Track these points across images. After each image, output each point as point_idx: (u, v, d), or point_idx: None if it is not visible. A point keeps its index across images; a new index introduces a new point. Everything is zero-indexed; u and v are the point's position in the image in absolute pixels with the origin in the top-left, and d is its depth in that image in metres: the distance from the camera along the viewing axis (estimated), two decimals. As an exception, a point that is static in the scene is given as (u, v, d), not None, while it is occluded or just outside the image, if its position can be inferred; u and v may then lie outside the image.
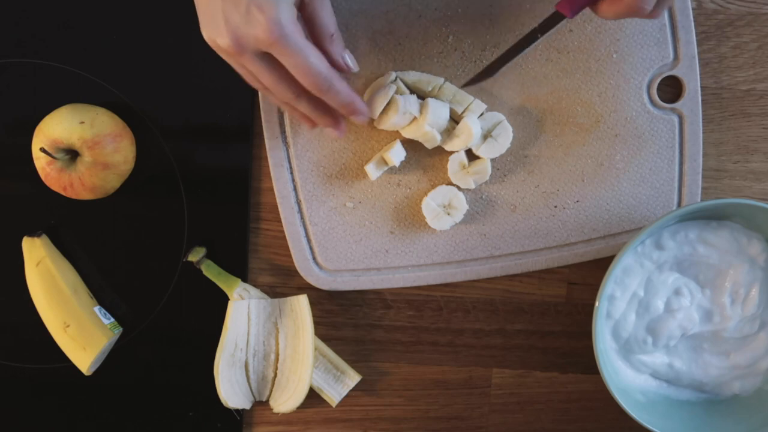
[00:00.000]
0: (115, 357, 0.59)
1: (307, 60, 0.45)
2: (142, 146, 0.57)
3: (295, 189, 0.58)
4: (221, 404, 0.57)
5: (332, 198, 0.58)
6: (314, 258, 0.59)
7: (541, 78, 0.57)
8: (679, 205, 0.59)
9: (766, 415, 0.55)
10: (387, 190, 0.58)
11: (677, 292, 0.56)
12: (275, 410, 0.58)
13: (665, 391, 0.58)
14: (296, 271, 0.60)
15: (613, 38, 0.57)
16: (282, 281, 0.60)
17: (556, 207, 0.58)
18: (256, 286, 0.60)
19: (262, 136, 0.58)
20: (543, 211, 0.58)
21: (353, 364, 0.60)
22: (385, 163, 0.57)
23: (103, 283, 0.59)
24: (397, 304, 0.60)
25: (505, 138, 0.56)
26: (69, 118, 0.53)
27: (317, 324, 0.59)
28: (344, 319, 0.60)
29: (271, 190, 0.59)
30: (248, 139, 0.58)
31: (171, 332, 0.60)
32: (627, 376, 0.57)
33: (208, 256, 0.58)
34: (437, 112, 0.55)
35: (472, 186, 0.57)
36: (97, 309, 0.58)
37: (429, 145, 0.56)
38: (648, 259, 0.56)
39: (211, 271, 0.58)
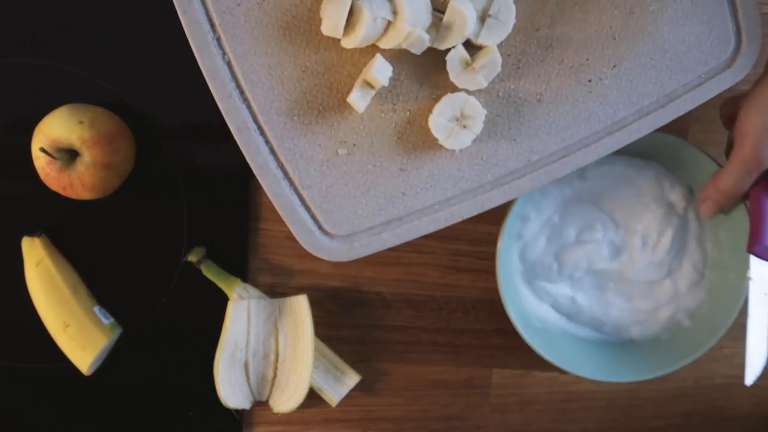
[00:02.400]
0: (115, 357, 0.59)
1: None
2: (142, 146, 0.57)
3: (272, 152, 0.48)
4: (221, 404, 0.57)
5: (320, 149, 0.48)
6: (320, 227, 0.49)
7: None
8: (738, 37, 0.50)
9: (659, 363, 0.55)
10: (383, 121, 0.48)
11: (591, 226, 0.55)
12: (275, 410, 0.58)
13: (564, 325, 0.57)
14: (296, 271, 0.60)
15: None
16: (282, 281, 0.60)
17: (590, 81, 0.48)
18: (256, 286, 0.60)
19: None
20: (576, 91, 0.48)
21: (353, 364, 0.60)
22: (371, 86, 0.47)
23: (103, 283, 0.59)
24: (397, 304, 0.60)
25: (507, 13, 0.46)
26: (69, 118, 0.53)
27: (317, 324, 0.59)
28: (344, 319, 0.60)
29: (271, 190, 0.59)
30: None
31: (171, 332, 0.60)
32: (528, 300, 0.57)
33: (208, 256, 0.58)
34: (415, 5, 0.45)
35: (484, 84, 0.47)
36: (97, 309, 0.58)
37: (417, 50, 0.46)
38: (569, 186, 0.55)
39: (211, 271, 0.58)
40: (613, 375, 0.55)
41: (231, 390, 0.57)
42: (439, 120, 0.47)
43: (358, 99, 0.47)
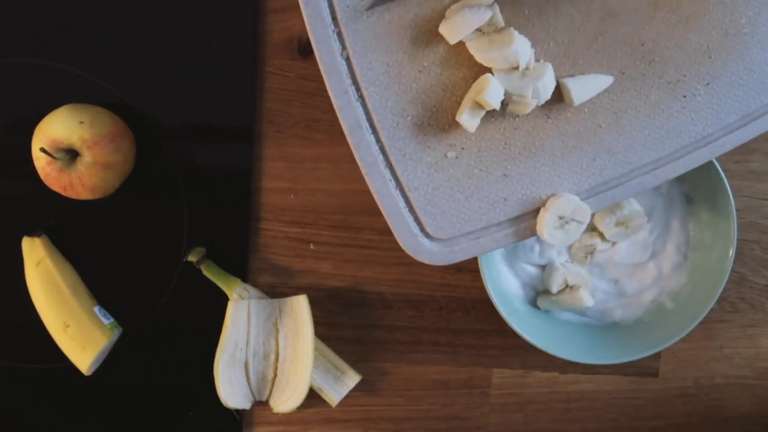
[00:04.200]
0: (115, 357, 0.59)
1: None
2: (142, 146, 0.57)
3: (382, 151, 0.48)
4: (221, 404, 0.57)
5: (429, 151, 0.49)
6: (422, 230, 0.49)
7: None
8: None
9: (640, 345, 0.56)
10: (492, 126, 0.49)
11: None
12: (275, 410, 0.58)
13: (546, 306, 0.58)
14: (296, 271, 0.60)
15: None
16: (282, 281, 0.60)
17: (685, 97, 0.50)
18: (256, 286, 0.59)
19: (262, 135, 0.58)
20: (672, 105, 0.50)
21: (353, 364, 0.60)
22: (481, 107, 0.47)
23: (103, 283, 0.59)
24: (397, 304, 0.60)
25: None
26: (69, 118, 0.53)
27: (317, 324, 0.59)
28: (344, 319, 0.60)
29: (271, 189, 0.59)
30: (248, 139, 0.58)
31: (171, 332, 0.60)
32: (509, 282, 0.57)
33: (208, 256, 0.58)
34: (546, 80, 0.47)
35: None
36: (97, 309, 0.58)
37: (521, 111, 0.48)
38: None
39: (211, 271, 0.58)
40: (595, 357, 0.55)
41: (231, 390, 0.57)
42: (550, 222, 0.49)
43: (468, 119, 0.47)
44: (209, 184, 0.59)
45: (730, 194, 0.54)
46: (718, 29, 0.50)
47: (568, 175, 0.50)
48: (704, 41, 0.50)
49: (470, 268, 0.60)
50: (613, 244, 0.56)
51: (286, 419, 0.61)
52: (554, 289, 0.56)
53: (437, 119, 0.48)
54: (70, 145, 0.52)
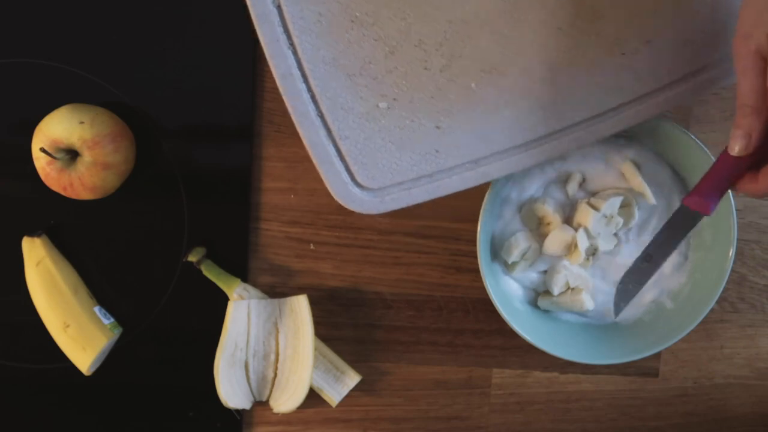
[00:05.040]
0: (115, 357, 0.59)
1: None
2: (142, 146, 0.57)
3: (313, 100, 0.48)
4: (221, 404, 0.57)
5: (361, 101, 0.49)
6: (353, 179, 0.50)
7: None
8: None
9: (640, 345, 0.56)
10: (426, 78, 0.49)
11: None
12: (275, 410, 0.58)
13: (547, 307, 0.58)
14: (296, 271, 0.60)
15: None
16: (282, 281, 0.60)
17: (624, 54, 0.49)
18: (256, 286, 0.59)
19: (262, 135, 0.58)
20: (611, 63, 0.49)
21: (353, 364, 0.60)
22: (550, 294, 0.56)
23: (103, 283, 0.59)
24: (397, 304, 0.60)
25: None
26: (69, 118, 0.53)
27: (317, 324, 0.59)
28: (344, 319, 0.60)
29: (271, 189, 0.59)
30: (248, 139, 0.58)
31: (171, 332, 0.60)
32: (509, 283, 0.57)
33: (208, 256, 0.58)
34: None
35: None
36: (97, 309, 0.58)
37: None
38: (550, 166, 0.54)
39: (211, 271, 0.58)
40: (596, 357, 0.55)
41: (231, 390, 0.57)
42: (554, 290, 0.54)
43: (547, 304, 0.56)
44: (209, 184, 0.58)
45: (730, 194, 0.54)
46: None
47: (501, 130, 0.50)
48: None
49: (470, 268, 0.60)
50: (616, 245, 0.56)
51: (286, 419, 0.61)
52: (556, 291, 0.56)
53: (369, 70, 0.48)
54: (70, 145, 0.52)
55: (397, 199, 0.50)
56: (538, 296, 0.58)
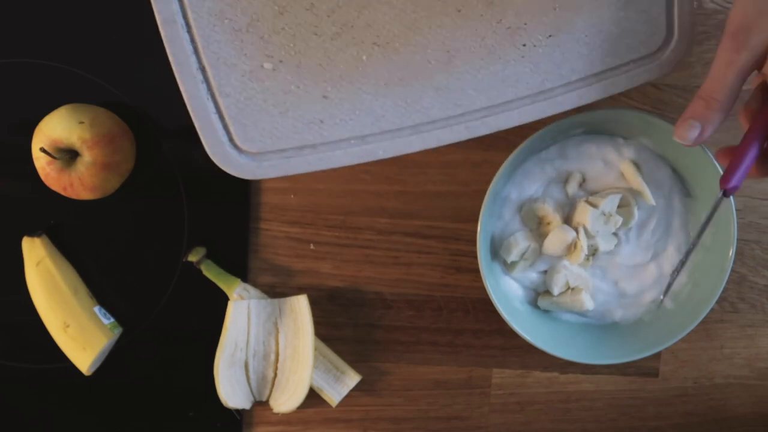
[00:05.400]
0: (115, 357, 0.59)
1: None
2: (142, 146, 0.57)
3: (196, 52, 0.46)
4: (221, 404, 0.57)
5: (245, 59, 0.47)
6: (231, 140, 0.48)
7: None
8: (668, 30, 0.50)
9: (640, 345, 0.55)
10: (315, 44, 0.47)
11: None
12: (275, 410, 0.58)
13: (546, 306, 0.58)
14: (296, 271, 0.60)
15: None
16: (282, 281, 0.60)
17: (524, 46, 0.48)
18: (256, 286, 0.59)
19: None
20: (510, 53, 0.48)
21: (353, 364, 0.60)
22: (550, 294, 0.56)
23: (103, 283, 0.59)
24: (397, 304, 0.60)
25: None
26: (69, 118, 0.53)
27: (317, 324, 0.59)
28: (344, 319, 0.60)
29: (271, 189, 0.59)
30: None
31: (171, 332, 0.60)
32: (509, 283, 0.57)
33: (208, 256, 0.58)
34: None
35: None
36: (97, 309, 0.58)
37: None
38: (550, 165, 0.54)
39: (211, 271, 0.58)
40: (596, 357, 0.55)
41: (231, 390, 0.57)
42: (555, 291, 0.55)
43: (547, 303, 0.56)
44: (209, 184, 0.58)
45: (732, 202, 0.54)
46: None
47: (392, 108, 0.48)
48: None
49: (470, 268, 0.60)
50: (616, 245, 0.56)
51: (286, 419, 0.61)
52: (556, 291, 0.56)
53: (257, 27, 0.46)
54: (70, 145, 0.53)
55: (275, 167, 0.48)
56: (538, 296, 0.57)
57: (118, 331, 0.59)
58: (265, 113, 0.47)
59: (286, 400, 0.57)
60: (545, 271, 0.57)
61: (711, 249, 0.56)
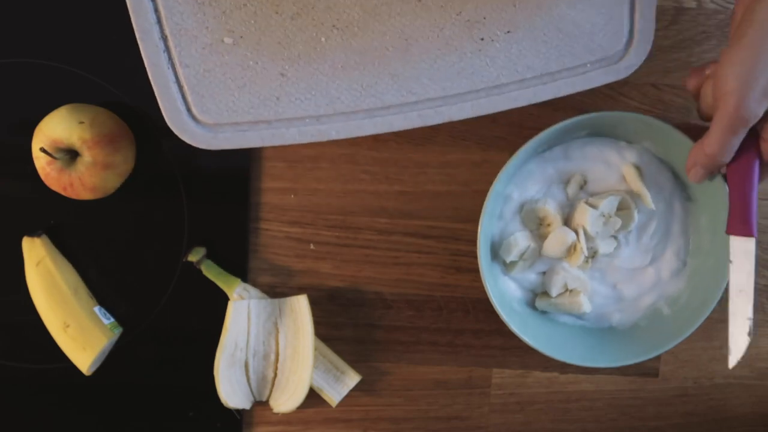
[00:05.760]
0: (115, 357, 0.59)
1: None
2: (142, 146, 0.57)
3: (159, 21, 0.48)
4: (221, 404, 0.57)
5: (206, 32, 0.48)
6: (188, 109, 0.50)
7: None
8: (630, 35, 0.51)
9: (637, 349, 0.55)
10: (275, 22, 0.49)
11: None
12: (275, 410, 0.58)
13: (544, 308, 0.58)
14: (296, 271, 0.60)
15: None
16: (282, 281, 0.60)
17: (482, 39, 0.49)
18: (256, 286, 0.60)
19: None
20: (467, 45, 0.49)
21: (353, 364, 0.60)
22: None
23: (103, 283, 0.59)
24: (397, 304, 0.60)
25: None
26: (69, 118, 0.53)
27: (317, 324, 0.59)
28: (344, 319, 0.60)
29: (271, 189, 0.59)
30: (248, 139, 0.58)
31: (171, 332, 0.60)
32: (507, 283, 0.57)
33: (208, 256, 0.58)
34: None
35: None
36: (97, 309, 0.58)
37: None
38: (552, 166, 0.54)
39: (211, 271, 0.58)
40: (592, 360, 0.55)
41: (231, 390, 0.57)
42: (553, 292, 0.55)
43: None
44: (209, 184, 0.59)
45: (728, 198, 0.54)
46: None
47: (347, 91, 0.49)
48: None
49: (470, 268, 0.60)
50: (616, 248, 0.56)
51: (286, 419, 0.61)
52: (554, 292, 0.56)
53: (219, 1, 0.48)
54: (70, 145, 0.53)
55: (230, 139, 0.50)
56: (536, 297, 0.57)
57: (118, 331, 0.59)
58: (223, 86, 0.49)
59: (286, 400, 0.57)
60: (544, 273, 0.57)
61: (709, 254, 0.55)
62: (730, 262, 0.49)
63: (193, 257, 0.57)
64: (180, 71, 0.49)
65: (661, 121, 0.52)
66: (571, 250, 0.54)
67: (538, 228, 0.56)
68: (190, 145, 0.58)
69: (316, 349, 0.58)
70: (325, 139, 0.50)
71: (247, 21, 0.49)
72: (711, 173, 0.50)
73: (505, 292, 0.56)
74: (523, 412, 0.62)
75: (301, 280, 0.60)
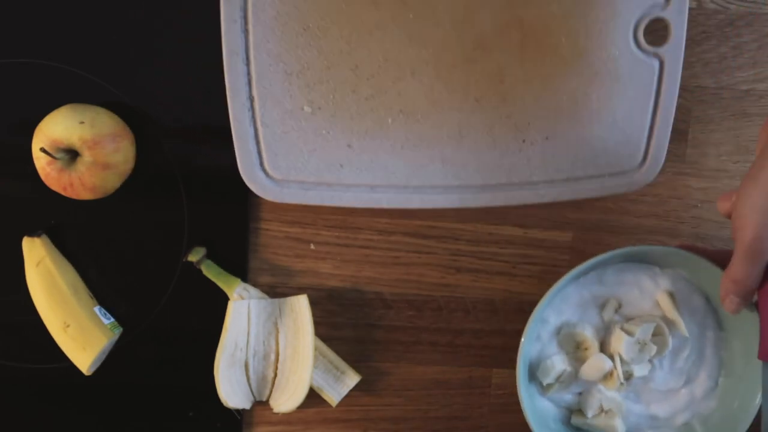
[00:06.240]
0: (115, 357, 0.59)
1: None
2: (142, 146, 0.57)
3: (249, 83, 0.54)
4: (221, 404, 0.57)
5: (289, 99, 0.55)
6: (261, 164, 0.55)
7: None
8: (644, 157, 0.57)
9: None
10: (351, 100, 0.55)
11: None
12: (275, 410, 0.58)
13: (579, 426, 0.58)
14: (296, 271, 0.60)
15: None
16: (282, 281, 0.60)
17: (524, 141, 0.56)
18: (256, 286, 0.60)
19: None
20: (511, 144, 0.56)
21: (353, 364, 0.60)
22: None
23: (103, 283, 0.59)
24: (397, 304, 0.60)
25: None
26: (69, 118, 0.53)
27: (317, 324, 0.59)
28: (344, 319, 0.60)
29: (271, 190, 0.59)
30: (248, 139, 0.58)
31: (171, 332, 0.60)
32: (543, 405, 0.57)
33: (208, 256, 0.58)
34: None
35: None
36: (97, 309, 0.58)
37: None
38: (587, 290, 0.56)
39: (211, 271, 0.58)
40: None
41: (231, 390, 0.57)
42: (588, 413, 0.56)
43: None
44: (209, 184, 0.59)
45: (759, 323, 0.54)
46: (569, 96, 0.56)
47: (402, 167, 0.56)
48: (554, 101, 0.56)
49: (470, 268, 0.60)
50: (650, 371, 0.56)
51: (286, 419, 0.61)
52: (590, 414, 0.56)
53: (305, 75, 0.54)
54: (70, 145, 0.53)
55: (293, 195, 0.55)
56: (571, 414, 0.57)
57: (118, 331, 0.59)
58: (296, 148, 0.55)
59: (286, 400, 0.57)
60: (579, 393, 0.57)
61: (742, 378, 0.55)
62: (762, 390, 0.50)
63: (193, 257, 0.57)
64: (260, 129, 0.54)
65: (692, 253, 0.53)
66: (607, 375, 0.55)
67: (575, 351, 0.56)
68: (190, 145, 0.58)
69: (316, 349, 0.58)
70: (376, 206, 0.56)
71: (327, 95, 0.54)
72: (746, 301, 0.50)
73: (541, 411, 0.56)
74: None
75: (301, 280, 0.60)
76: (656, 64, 0.56)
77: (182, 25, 0.57)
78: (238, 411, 0.60)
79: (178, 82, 0.58)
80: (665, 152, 0.57)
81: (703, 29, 0.59)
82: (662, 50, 0.56)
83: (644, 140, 0.57)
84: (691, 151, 0.59)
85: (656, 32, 0.56)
